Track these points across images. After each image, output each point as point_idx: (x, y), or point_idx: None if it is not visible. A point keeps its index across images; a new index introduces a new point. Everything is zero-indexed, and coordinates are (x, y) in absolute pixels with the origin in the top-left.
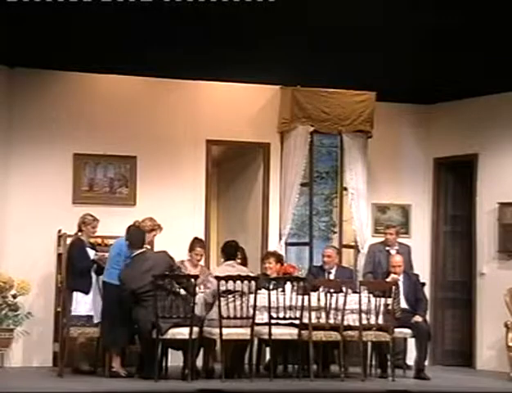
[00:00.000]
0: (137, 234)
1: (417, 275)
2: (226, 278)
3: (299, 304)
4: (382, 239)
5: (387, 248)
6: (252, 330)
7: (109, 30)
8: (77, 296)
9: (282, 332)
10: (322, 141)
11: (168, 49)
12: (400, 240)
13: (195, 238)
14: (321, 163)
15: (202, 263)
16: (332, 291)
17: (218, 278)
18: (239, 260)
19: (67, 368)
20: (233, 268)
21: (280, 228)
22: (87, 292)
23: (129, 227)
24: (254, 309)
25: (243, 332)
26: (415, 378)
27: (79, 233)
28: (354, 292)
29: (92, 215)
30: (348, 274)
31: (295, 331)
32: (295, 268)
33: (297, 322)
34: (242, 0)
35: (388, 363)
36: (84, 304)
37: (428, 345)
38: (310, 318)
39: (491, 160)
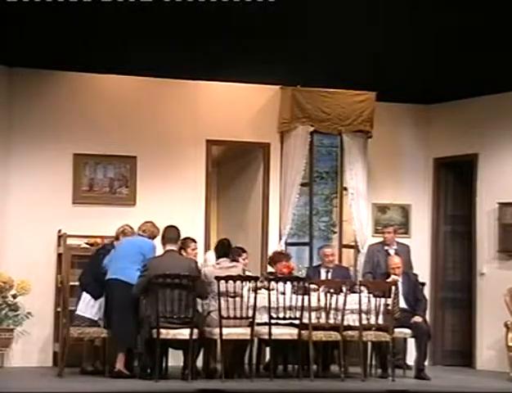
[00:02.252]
0: (173, 231)
1: (416, 275)
2: (227, 278)
3: (299, 304)
4: (381, 239)
5: (386, 248)
6: (252, 330)
7: (108, 30)
8: (85, 298)
9: (282, 332)
10: (322, 141)
11: (167, 49)
12: (400, 240)
13: (186, 237)
14: (321, 163)
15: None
16: (332, 291)
17: (218, 278)
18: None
19: (67, 369)
20: (224, 268)
21: (280, 227)
22: (96, 298)
23: (167, 226)
24: (254, 309)
25: (243, 332)
26: (416, 378)
27: (115, 242)
28: (352, 292)
29: (131, 227)
30: (345, 273)
31: (295, 331)
32: (290, 268)
33: (297, 322)
34: (242, 0)
35: (388, 363)
36: (91, 307)
37: (428, 345)
38: (310, 318)
39: (492, 159)
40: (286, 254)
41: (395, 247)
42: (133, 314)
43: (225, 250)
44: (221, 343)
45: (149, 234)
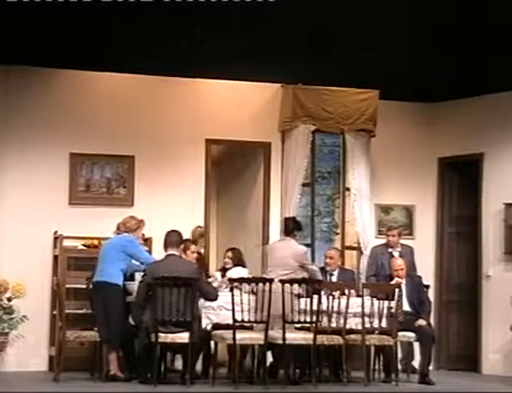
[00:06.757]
0: (173, 235)
1: (420, 277)
2: (240, 280)
3: (302, 307)
4: (384, 241)
5: (389, 250)
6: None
7: (106, 28)
8: None
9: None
10: (324, 140)
11: (166, 47)
12: (404, 241)
13: (186, 239)
14: (323, 162)
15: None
16: (334, 294)
17: (232, 280)
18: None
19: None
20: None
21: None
22: None
23: (168, 231)
24: (268, 313)
25: (257, 337)
26: (420, 383)
27: None
28: (358, 296)
29: None
30: (350, 276)
31: (297, 335)
32: None
33: (299, 325)
34: (242, 0)
35: (392, 367)
36: None
37: (433, 349)
38: (312, 322)
39: (497, 159)
40: None
41: (399, 249)
42: (118, 313)
43: (284, 227)
44: (227, 347)
45: (124, 229)
